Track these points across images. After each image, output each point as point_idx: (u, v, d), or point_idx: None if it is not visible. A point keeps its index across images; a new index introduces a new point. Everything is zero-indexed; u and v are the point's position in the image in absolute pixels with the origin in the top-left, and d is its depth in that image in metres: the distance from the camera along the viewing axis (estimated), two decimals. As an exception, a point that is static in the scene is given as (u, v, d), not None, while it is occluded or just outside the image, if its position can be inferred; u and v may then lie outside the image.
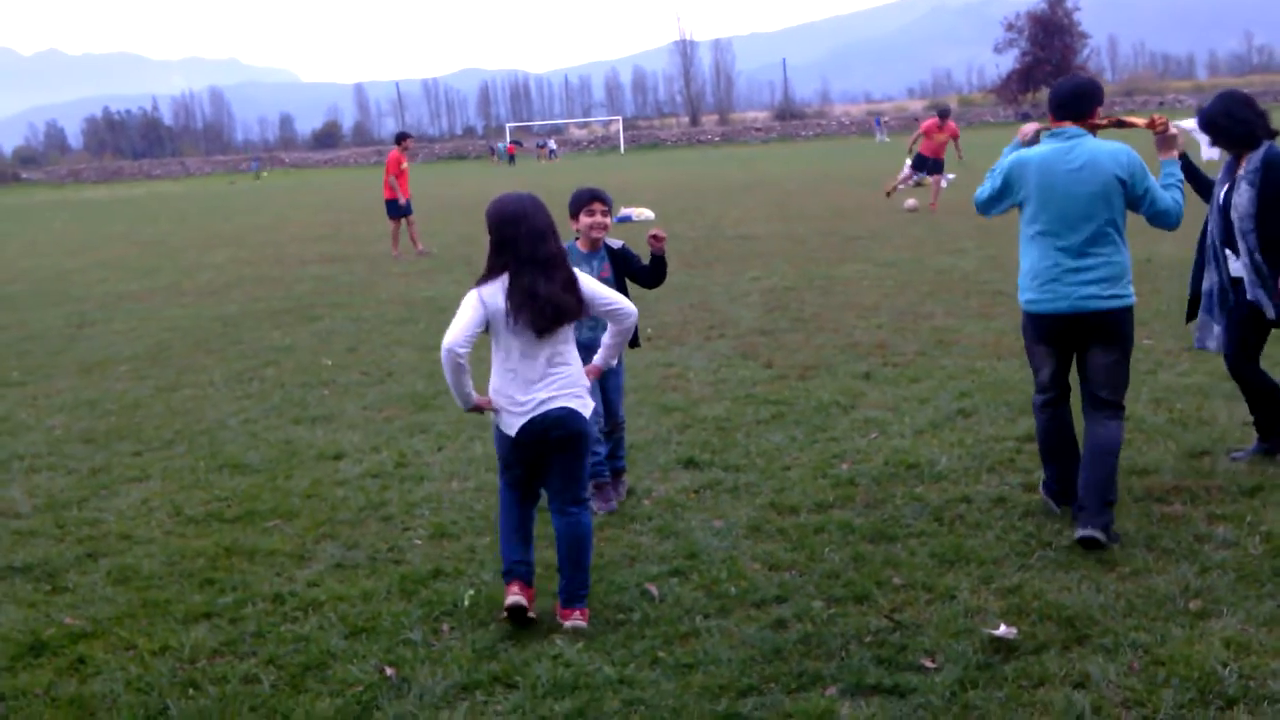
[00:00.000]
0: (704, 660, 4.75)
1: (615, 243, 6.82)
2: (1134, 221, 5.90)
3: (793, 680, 4.55)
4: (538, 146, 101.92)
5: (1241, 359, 6.80)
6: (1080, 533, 5.65)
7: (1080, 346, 5.99)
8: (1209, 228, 6.85)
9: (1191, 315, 7.09)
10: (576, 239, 6.67)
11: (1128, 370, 5.98)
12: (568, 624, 5.13)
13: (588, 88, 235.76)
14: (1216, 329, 6.87)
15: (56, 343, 14.05)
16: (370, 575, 5.95)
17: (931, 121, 25.29)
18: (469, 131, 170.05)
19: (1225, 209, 6.70)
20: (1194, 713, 4.15)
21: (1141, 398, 8.20)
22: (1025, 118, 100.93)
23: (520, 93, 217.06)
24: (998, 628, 4.77)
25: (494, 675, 4.75)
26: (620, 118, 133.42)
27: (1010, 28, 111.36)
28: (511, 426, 5.18)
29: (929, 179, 25.10)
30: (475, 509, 6.89)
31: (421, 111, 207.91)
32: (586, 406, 5.24)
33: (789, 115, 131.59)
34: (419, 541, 6.42)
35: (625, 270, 6.84)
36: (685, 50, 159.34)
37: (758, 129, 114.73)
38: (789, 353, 10.77)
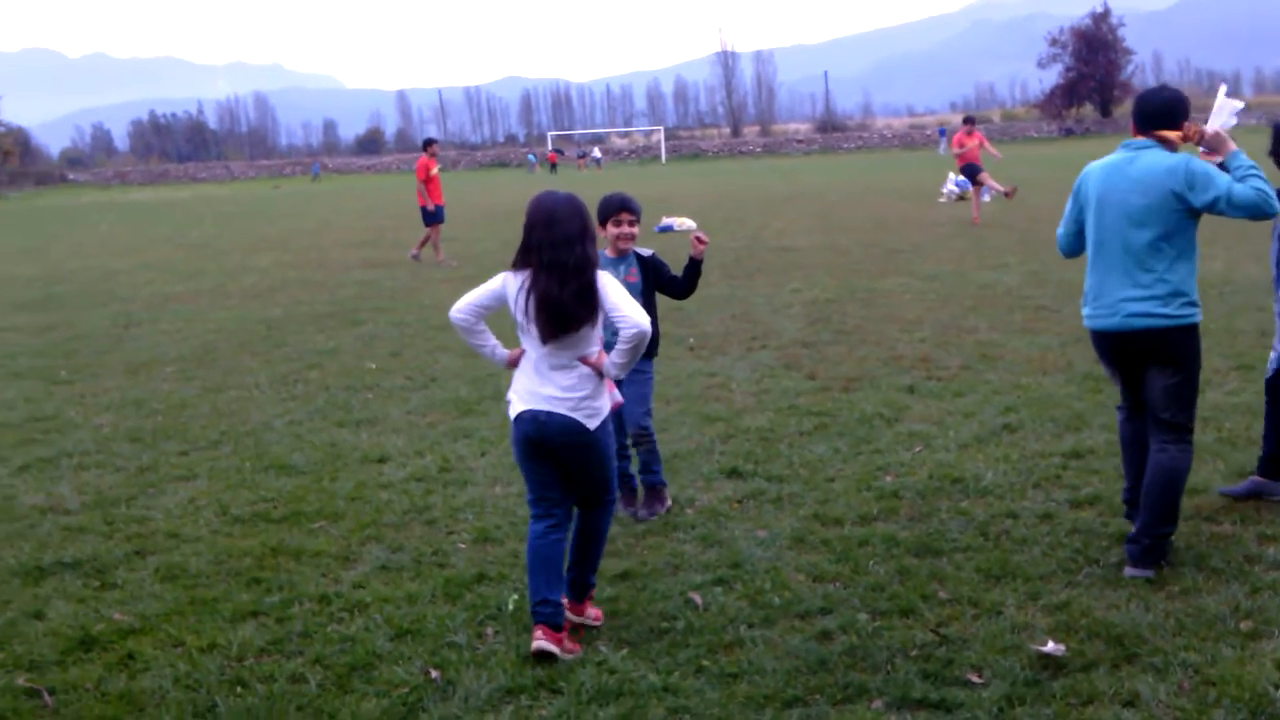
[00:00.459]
0: (748, 670, 4.75)
1: (645, 251, 6.79)
2: (1213, 236, 5.79)
3: (838, 692, 4.54)
4: (577, 157, 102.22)
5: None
6: (1127, 571, 5.59)
7: (1139, 365, 5.82)
8: (1273, 251, 6.68)
9: None
10: (605, 246, 6.63)
11: (1191, 393, 5.73)
12: (572, 617, 5.22)
13: (629, 97, 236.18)
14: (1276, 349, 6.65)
15: (104, 343, 14.20)
16: (415, 578, 5.98)
17: (960, 133, 25.40)
18: (511, 139, 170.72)
19: None
20: (1245, 734, 4.12)
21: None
22: (1069, 133, 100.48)
23: (562, 101, 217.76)
24: (1045, 644, 4.74)
25: (538, 680, 4.77)
26: (662, 128, 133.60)
27: (1054, 43, 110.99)
28: (515, 408, 5.13)
29: (970, 190, 25.09)
30: (518, 514, 6.91)
31: (464, 119, 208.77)
32: (595, 416, 5.10)
33: (831, 127, 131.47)
34: (463, 545, 6.45)
35: (655, 280, 6.80)
36: (727, 61, 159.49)
37: (799, 141, 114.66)
38: (832, 365, 10.75)
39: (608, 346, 5.25)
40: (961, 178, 28.45)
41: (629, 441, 6.88)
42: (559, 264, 4.93)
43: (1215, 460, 7.24)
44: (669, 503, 6.93)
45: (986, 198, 27.46)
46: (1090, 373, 9.70)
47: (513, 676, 4.78)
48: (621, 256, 6.71)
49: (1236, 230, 14.96)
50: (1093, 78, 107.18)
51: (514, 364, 5.22)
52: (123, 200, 72.60)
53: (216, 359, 12.69)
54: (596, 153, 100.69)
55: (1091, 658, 4.69)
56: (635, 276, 6.68)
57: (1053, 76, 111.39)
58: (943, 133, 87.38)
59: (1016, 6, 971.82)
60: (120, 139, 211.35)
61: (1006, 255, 18.47)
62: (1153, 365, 5.73)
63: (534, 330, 5.03)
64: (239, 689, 4.81)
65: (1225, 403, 8.63)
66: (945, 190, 32.51)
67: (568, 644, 5.05)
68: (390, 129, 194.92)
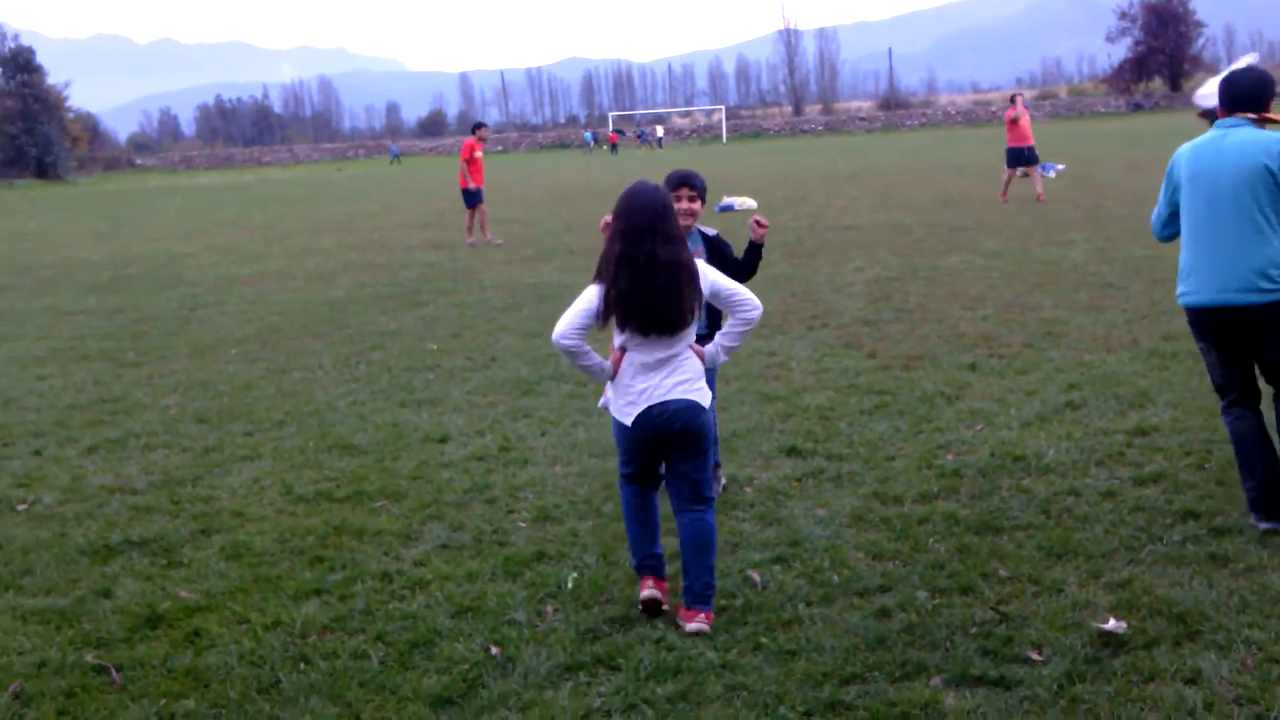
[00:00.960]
0: (807, 647, 4.75)
1: (710, 230, 6.72)
2: None
3: (896, 669, 4.53)
4: (635, 136, 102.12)
5: None
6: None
7: (1242, 341, 5.75)
8: None
9: None
10: None
11: None
12: (690, 626, 4.99)
13: (691, 76, 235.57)
14: None
15: (170, 325, 14.41)
16: (475, 556, 6.03)
17: (1009, 111, 24.96)
18: (572, 120, 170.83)
19: None
20: (1311, 713, 4.06)
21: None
22: (1138, 108, 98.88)
23: (624, 81, 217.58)
24: (1107, 621, 4.70)
25: (597, 657, 4.79)
26: (723, 107, 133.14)
27: (1124, 16, 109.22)
28: (628, 415, 5.10)
29: (1033, 170, 24.69)
30: (578, 494, 6.94)
31: (525, 100, 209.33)
32: (706, 398, 5.17)
33: (894, 105, 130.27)
34: (523, 524, 6.49)
35: (718, 261, 6.77)
36: (789, 39, 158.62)
37: (862, 119, 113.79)
38: (892, 343, 10.69)
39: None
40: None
41: None
42: (633, 257, 4.92)
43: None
44: (724, 481, 6.93)
45: (1051, 174, 27.07)
46: (1155, 349, 9.57)
47: (571, 654, 4.81)
48: (685, 234, 6.66)
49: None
50: (1162, 51, 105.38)
51: (617, 366, 5.15)
52: (189, 184, 73.53)
53: (280, 340, 12.84)
54: (659, 132, 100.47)
55: (1153, 635, 4.64)
56: (699, 256, 6.65)
57: (1121, 50, 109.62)
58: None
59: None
60: (187, 124, 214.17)
61: (1072, 232, 18.24)
62: (1262, 340, 5.69)
63: (630, 328, 5.00)
64: (302, 665, 4.88)
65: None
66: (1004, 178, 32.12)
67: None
68: (453, 111, 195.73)
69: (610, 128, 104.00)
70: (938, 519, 6.12)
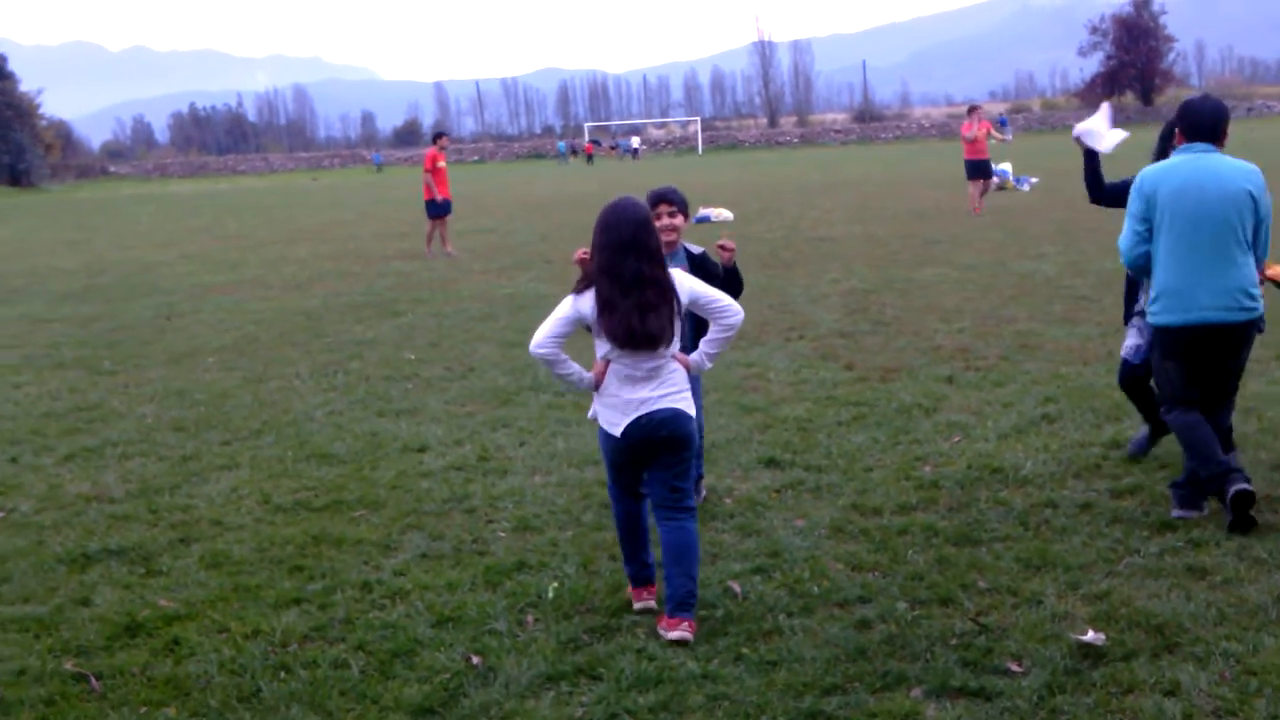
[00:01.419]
0: (788, 658, 4.76)
1: (696, 249, 6.65)
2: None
3: (877, 680, 4.55)
4: (610, 147, 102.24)
5: None
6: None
7: (1215, 359, 6.10)
8: None
9: None
10: None
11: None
12: (672, 634, 5.00)
13: (666, 88, 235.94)
14: None
15: (146, 333, 14.34)
16: (455, 566, 6.03)
17: (965, 125, 25.13)
18: (548, 130, 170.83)
19: None
20: (1287, 724, 4.10)
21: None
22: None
23: (599, 92, 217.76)
24: (1085, 633, 4.73)
25: (578, 667, 4.80)
26: (699, 118, 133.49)
27: (1095, 30, 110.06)
28: (616, 425, 5.13)
29: (999, 181, 24.84)
30: (557, 503, 6.95)
31: (501, 110, 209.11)
32: (692, 408, 5.22)
33: (869, 117, 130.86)
34: (503, 534, 6.49)
35: (703, 279, 6.76)
36: (764, 51, 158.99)
37: (837, 131, 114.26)
38: (869, 355, 10.74)
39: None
40: (1002, 167, 28.26)
41: None
42: (616, 273, 4.96)
43: (1257, 450, 7.20)
44: (704, 493, 6.93)
45: (1026, 187, 27.27)
46: (1131, 363, 9.65)
47: (553, 663, 4.82)
48: (670, 252, 6.64)
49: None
50: (1134, 65, 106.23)
51: (600, 382, 5.19)
52: (163, 192, 73.18)
53: (257, 349, 12.80)
54: (634, 143, 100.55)
55: (1132, 647, 4.68)
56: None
57: (1094, 65, 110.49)
58: (1004, 121, 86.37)
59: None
60: (161, 131, 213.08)
61: (1045, 245, 18.37)
62: (1236, 353, 6.10)
63: (614, 342, 5.03)
64: (283, 674, 4.87)
65: (1267, 392, 8.56)
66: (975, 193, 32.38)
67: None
68: (428, 121, 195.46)
69: (586, 138, 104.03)
70: (916, 530, 6.15)
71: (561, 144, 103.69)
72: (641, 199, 5.33)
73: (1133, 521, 6.11)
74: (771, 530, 6.30)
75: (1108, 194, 6.86)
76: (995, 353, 10.48)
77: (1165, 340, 6.10)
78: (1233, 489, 5.79)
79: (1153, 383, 6.65)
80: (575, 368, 5.18)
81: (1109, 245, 16.85)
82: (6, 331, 15.03)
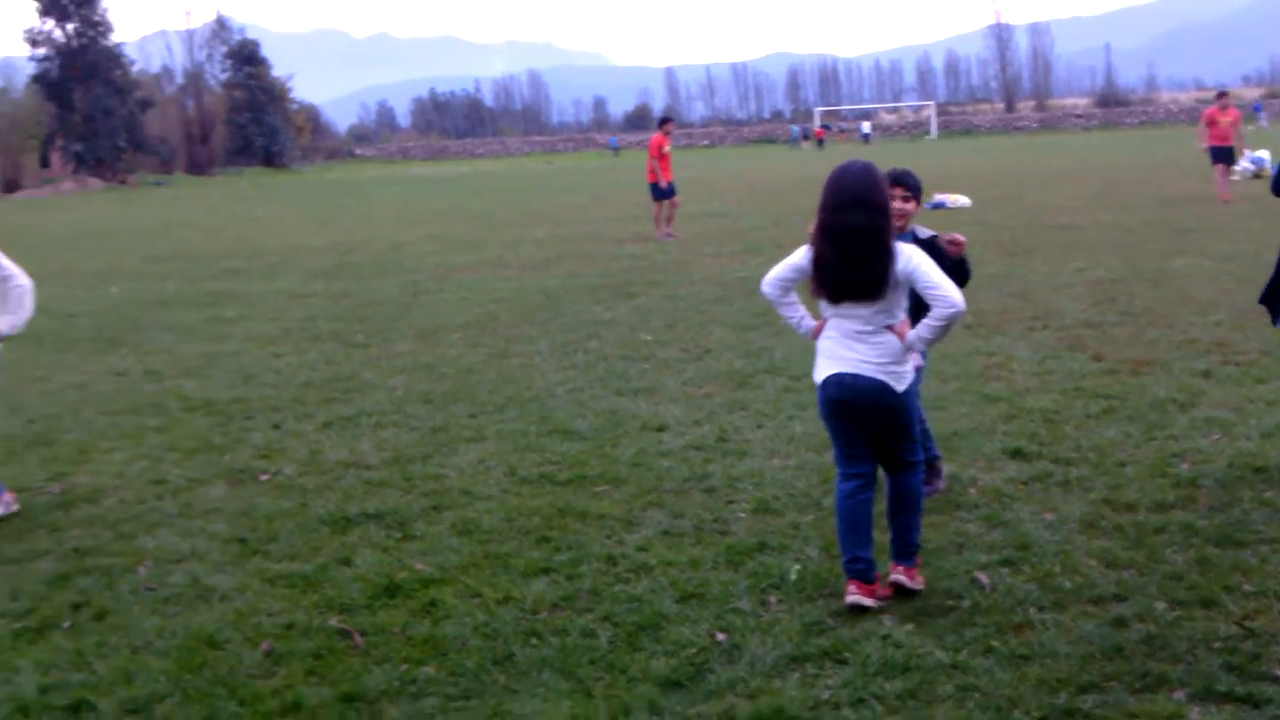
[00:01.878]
0: (1040, 653, 4.66)
1: (925, 233, 6.54)
2: None
3: (1136, 680, 4.40)
4: (838, 131, 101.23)
5: None
6: None
7: None
8: None
9: None
10: None
11: None
12: (892, 576, 5.23)
13: (898, 72, 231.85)
14: None
15: (394, 309, 14.92)
16: (697, 544, 6.09)
17: (1212, 109, 24.00)
18: (777, 115, 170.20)
19: None
20: None
21: None
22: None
23: (829, 77, 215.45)
24: (1364, 643, 4.48)
25: (823, 650, 4.79)
26: (932, 103, 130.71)
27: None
28: (821, 372, 5.27)
29: (1252, 169, 23.70)
30: (797, 486, 6.94)
31: (730, 95, 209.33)
32: (901, 380, 5.18)
33: (1112, 102, 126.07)
34: (742, 515, 6.52)
35: None
36: (1001, 34, 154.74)
37: (1078, 116, 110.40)
38: (1119, 346, 10.35)
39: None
40: (1259, 154, 26.85)
41: None
42: (837, 227, 5.04)
43: None
44: (945, 479, 6.82)
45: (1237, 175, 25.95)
46: None
47: (798, 645, 4.83)
48: (899, 234, 6.56)
49: None
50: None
51: (819, 334, 5.32)
52: (405, 174, 75.87)
53: (499, 327, 13.16)
54: (866, 127, 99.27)
55: None
56: None
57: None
58: (1258, 108, 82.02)
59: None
60: (402, 116, 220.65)
61: (1310, 236, 17.34)
62: None
63: (821, 293, 5.17)
64: (534, 640, 5.01)
65: None
66: (1239, 167, 30.81)
67: (880, 590, 5.23)
68: (658, 105, 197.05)
69: (816, 123, 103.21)
70: (1174, 529, 5.92)
71: (795, 128, 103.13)
72: (871, 163, 5.30)
73: None
74: (1019, 522, 6.15)
75: None
76: (1256, 347, 9.97)
77: None
78: None
79: None
80: (800, 311, 5.41)
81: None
82: (267, 305, 15.86)
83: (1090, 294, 13.31)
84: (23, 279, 7.14)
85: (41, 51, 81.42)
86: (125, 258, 24.20)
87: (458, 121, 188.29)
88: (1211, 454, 7.13)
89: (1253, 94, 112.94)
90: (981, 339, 10.91)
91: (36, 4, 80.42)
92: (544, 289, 16.14)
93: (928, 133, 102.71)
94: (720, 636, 4.94)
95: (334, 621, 5.31)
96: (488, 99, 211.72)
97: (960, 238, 6.42)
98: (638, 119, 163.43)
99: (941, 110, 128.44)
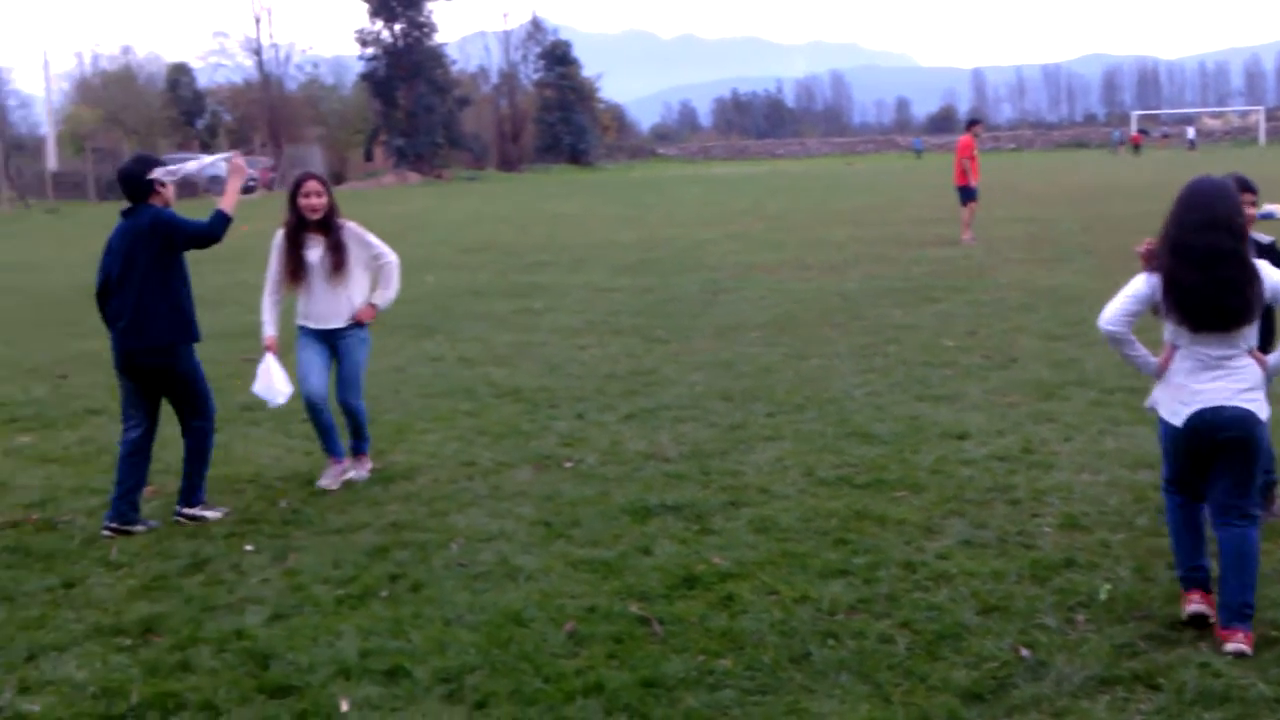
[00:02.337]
0: (1380, 697, 4.34)
1: (1265, 238, 6.22)
2: None
3: None
4: (1160, 136, 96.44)
5: None
6: None
7: None
8: None
9: None
10: None
11: None
12: (1229, 646, 4.75)
13: (1225, 74, 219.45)
14: None
15: (694, 306, 15.13)
16: (999, 556, 5.94)
17: None
18: (1090, 119, 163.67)
19: None
20: None
21: None
22: None
23: (1149, 79, 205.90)
24: None
25: (1135, 673, 4.60)
26: (1261, 108, 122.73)
27: None
28: (1178, 416, 4.96)
29: None
30: (1108, 503, 6.67)
31: (1040, 97, 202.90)
32: (1264, 410, 4.89)
33: None
34: (1048, 529, 6.32)
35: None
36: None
37: None
38: None
39: None
40: None
41: None
42: (1190, 247, 4.79)
43: None
44: (1278, 504, 6.41)
45: None
46: None
47: (1108, 666, 4.65)
48: None
49: None
50: None
51: (1164, 370, 5.07)
52: (706, 174, 76.72)
53: (797, 327, 13.17)
54: (1190, 133, 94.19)
55: None
56: None
57: None
58: None
59: None
60: (704, 116, 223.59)
61: None
62: None
63: (1183, 322, 4.88)
64: (830, 641, 5.00)
65: None
66: None
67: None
68: (963, 107, 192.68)
69: (1133, 127, 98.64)
70: None
71: (1115, 132, 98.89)
72: (1226, 178, 5.04)
73: None
74: (1356, 555, 5.73)
75: None
76: None
77: None
78: None
79: None
80: (1142, 350, 5.11)
81: None
82: (573, 298, 16.37)
83: None
84: (391, 256, 7.67)
85: (370, 51, 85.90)
86: (441, 249, 25.38)
87: (758, 121, 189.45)
88: None
89: None
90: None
91: (367, 5, 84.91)
92: (842, 291, 16.04)
93: (1255, 140, 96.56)
94: (1025, 652, 4.80)
95: (634, 608, 5.44)
96: (789, 99, 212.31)
97: None
98: (941, 121, 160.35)
99: (1271, 115, 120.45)
